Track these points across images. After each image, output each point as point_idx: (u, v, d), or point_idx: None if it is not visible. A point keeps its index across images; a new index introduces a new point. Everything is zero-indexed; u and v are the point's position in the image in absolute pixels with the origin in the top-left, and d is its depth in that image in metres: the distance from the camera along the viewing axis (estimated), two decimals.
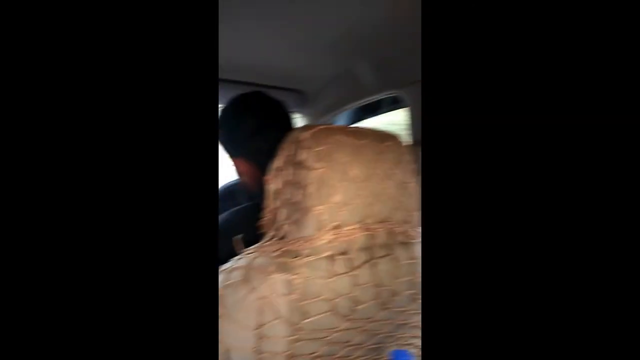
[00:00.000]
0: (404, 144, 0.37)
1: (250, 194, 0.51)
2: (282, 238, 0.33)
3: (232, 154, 0.50)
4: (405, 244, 0.36)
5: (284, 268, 0.31)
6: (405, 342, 0.37)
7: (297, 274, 0.30)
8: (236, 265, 0.32)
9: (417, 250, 0.37)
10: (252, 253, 0.33)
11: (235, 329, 0.30)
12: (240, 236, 0.36)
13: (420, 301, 0.36)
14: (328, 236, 0.31)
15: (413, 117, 0.66)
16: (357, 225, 0.32)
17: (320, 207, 0.31)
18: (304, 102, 0.91)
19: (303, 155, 0.31)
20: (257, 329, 0.29)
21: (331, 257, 0.32)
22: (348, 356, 0.33)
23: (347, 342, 0.32)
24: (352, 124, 0.98)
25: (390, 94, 0.73)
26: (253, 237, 0.36)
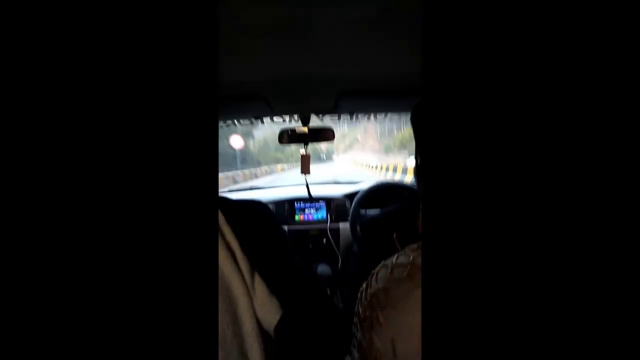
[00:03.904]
0: None
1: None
2: None
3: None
4: None
5: None
6: None
7: None
8: (398, 262, 0.34)
9: None
10: (413, 251, 0.34)
11: (402, 319, 0.31)
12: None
13: None
14: None
15: None
16: None
17: None
18: None
19: None
20: None
21: None
22: None
23: None
24: None
25: None
26: (413, 234, 0.37)
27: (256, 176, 12.68)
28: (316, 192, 1.51)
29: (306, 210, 1.44)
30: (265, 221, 0.46)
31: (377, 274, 0.36)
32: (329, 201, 1.43)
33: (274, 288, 0.41)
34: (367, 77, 0.70)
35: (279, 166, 19.03)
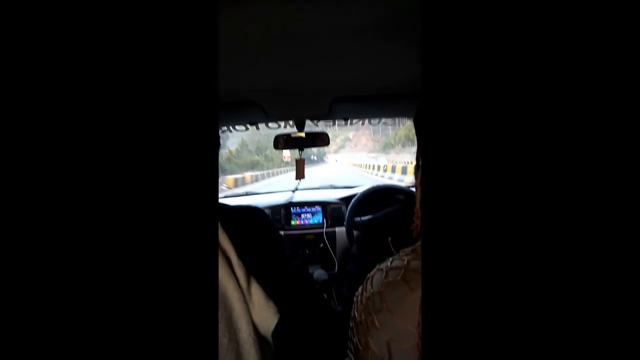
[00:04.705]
0: None
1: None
2: None
3: None
4: None
5: None
6: None
7: None
8: (393, 265, 0.34)
9: None
10: (407, 255, 0.35)
11: (397, 323, 0.32)
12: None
13: None
14: None
15: None
16: None
17: None
18: None
19: None
20: (419, 326, 0.30)
21: None
22: None
23: None
24: None
25: None
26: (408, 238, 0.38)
27: None
28: (312, 196, 1.50)
29: (302, 215, 1.43)
30: (261, 226, 0.46)
31: (372, 278, 0.36)
32: (324, 206, 1.43)
33: (271, 293, 0.41)
34: (360, 83, 0.71)
35: (229, 178, 11.16)
